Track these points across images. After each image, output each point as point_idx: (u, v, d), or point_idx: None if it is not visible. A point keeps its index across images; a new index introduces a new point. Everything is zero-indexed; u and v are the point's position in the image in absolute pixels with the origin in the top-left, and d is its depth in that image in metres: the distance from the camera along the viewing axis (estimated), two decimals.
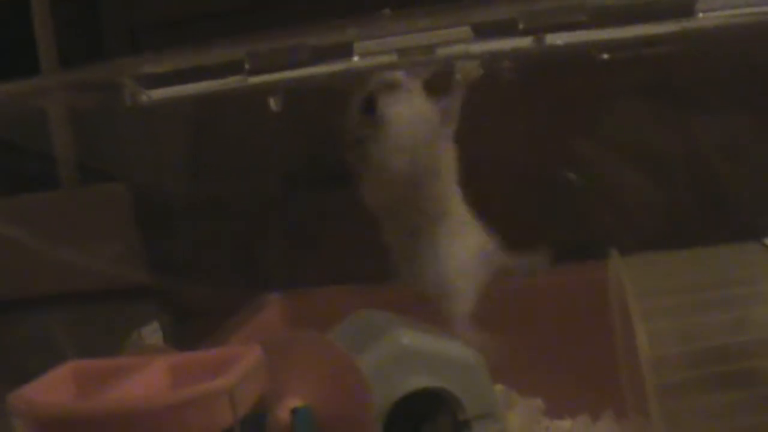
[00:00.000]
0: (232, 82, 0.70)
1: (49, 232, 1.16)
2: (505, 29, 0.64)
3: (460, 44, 0.64)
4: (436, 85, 0.78)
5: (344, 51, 0.67)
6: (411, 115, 0.79)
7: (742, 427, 0.64)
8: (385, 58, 0.67)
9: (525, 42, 0.65)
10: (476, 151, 0.85)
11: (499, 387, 0.90)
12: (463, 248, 0.85)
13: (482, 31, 0.64)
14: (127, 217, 1.21)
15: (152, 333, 1.05)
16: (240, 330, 0.93)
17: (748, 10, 0.67)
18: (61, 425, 0.40)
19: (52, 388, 0.43)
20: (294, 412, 0.46)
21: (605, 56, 0.70)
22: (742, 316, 0.65)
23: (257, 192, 1.10)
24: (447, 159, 0.83)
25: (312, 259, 1.03)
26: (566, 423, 0.91)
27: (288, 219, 1.08)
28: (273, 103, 0.78)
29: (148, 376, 0.43)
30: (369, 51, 0.67)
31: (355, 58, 0.67)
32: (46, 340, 1.12)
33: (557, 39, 0.65)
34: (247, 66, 0.69)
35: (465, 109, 0.81)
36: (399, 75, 0.78)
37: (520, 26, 0.63)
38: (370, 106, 0.78)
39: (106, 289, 1.19)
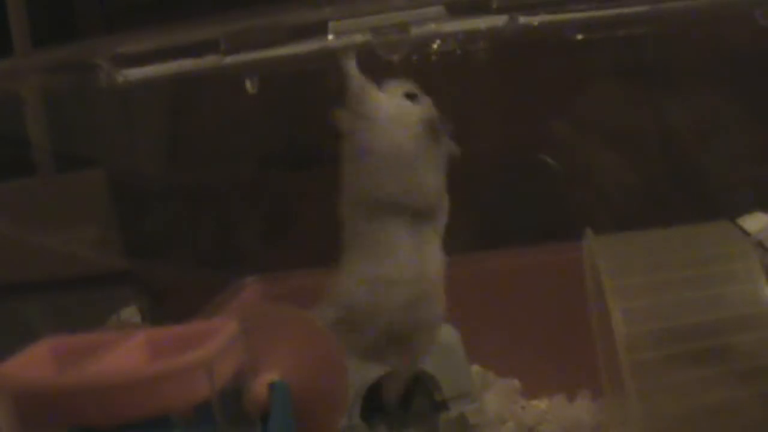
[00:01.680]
0: (207, 61, 0.70)
1: (25, 219, 1.15)
2: (479, 8, 0.64)
3: (434, 23, 0.65)
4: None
5: (319, 30, 0.67)
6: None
7: (715, 402, 0.65)
8: (359, 37, 0.67)
9: (499, 21, 0.66)
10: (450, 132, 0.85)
11: (475, 368, 0.91)
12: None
13: (456, 10, 0.64)
14: (103, 203, 1.21)
15: (131, 317, 1.04)
16: (218, 313, 0.93)
17: None
18: (39, 399, 0.40)
19: (30, 364, 0.43)
20: (271, 386, 0.46)
21: (579, 36, 0.70)
22: (715, 294, 0.66)
23: (234, 174, 1.10)
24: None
25: (290, 242, 1.03)
26: (543, 403, 0.92)
27: (265, 201, 1.08)
28: (249, 85, 0.78)
29: (126, 351, 0.44)
30: (343, 30, 0.66)
31: (330, 37, 0.67)
32: (23, 326, 1.12)
33: (531, 19, 0.65)
34: (222, 46, 0.69)
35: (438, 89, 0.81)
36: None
37: (494, 5, 0.63)
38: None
39: (83, 275, 1.18)
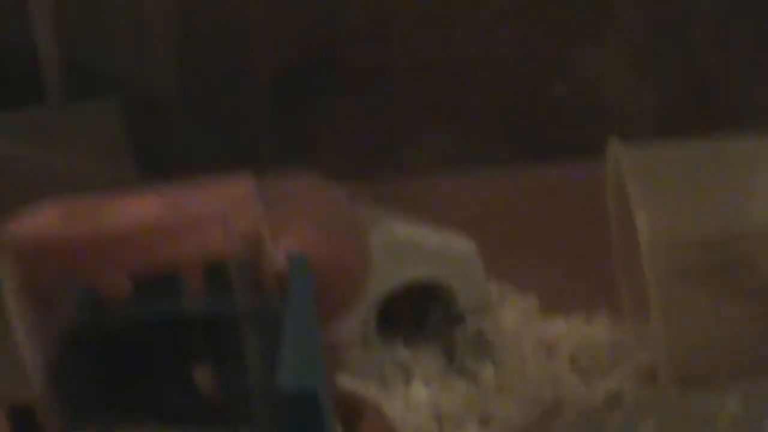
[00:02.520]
0: None
1: (38, 148, 1.13)
2: None
3: None
4: None
5: None
6: None
7: (741, 318, 0.63)
8: None
9: None
10: (471, 53, 0.83)
11: (493, 283, 0.89)
12: None
13: None
14: (116, 131, 1.19)
15: None
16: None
17: None
18: (50, 253, 0.39)
19: (38, 221, 0.41)
20: (291, 256, 0.44)
21: None
22: (746, 204, 0.64)
23: (247, 88, 1.08)
24: None
25: (304, 157, 1.01)
26: (561, 321, 0.90)
27: (279, 116, 1.06)
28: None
29: (138, 204, 0.42)
30: None
31: None
32: None
33: None
34: None
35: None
36: None
37: None
38: None
39: None
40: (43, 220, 0.41)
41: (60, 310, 0.38)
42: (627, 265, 0.79)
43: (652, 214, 0.62)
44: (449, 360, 0.81)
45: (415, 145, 0.94)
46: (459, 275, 0.78)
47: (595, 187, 0.79)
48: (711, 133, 0.70)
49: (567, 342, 0.87)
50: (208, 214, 0.39)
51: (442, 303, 0.80)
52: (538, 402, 0.78)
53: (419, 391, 0.79)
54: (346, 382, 0.78)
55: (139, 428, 0.39)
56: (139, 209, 0.41)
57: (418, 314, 0.82)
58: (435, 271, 0.77)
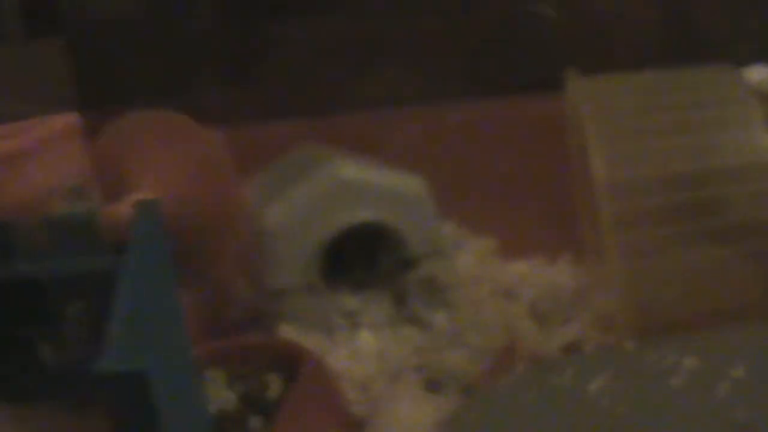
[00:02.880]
0: None
1: None
2: None
3: None
4: None
5: None
6: None
7: (700, 260, 0.59)
8: None
9: None
10: None
11: (449, 225, 0.84)
12: None
13: None
14: (61, 68, 1.13)
15: None
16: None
17: None
18: None
19: None
20: (135, 206, 0.39)
21: None
22: (707, 141, 0.59)
23: (194, 22, 1.02)
24: None
25: (252, 93, 0.96)
26: (521, 265, 0.86)
27: (227, 50, 1.01)
28: None
29: None
30: None
31: None
32: None
33: None
34: None
35: None
36: None
37: None
38: None
39: None
40: None
41: None
42: (588, 207, 0.74)
43: (608, 152, 0.58)
44: (400, 307, 0.77)
45: (367, 79, 0.89)
46: (409, 217, 0.73)
47: (558, 123, 0.74)
48: (677, 65, 0.66)
49: (527, 287, 0.82)
50: (26, 150, 0.34)
51: (393, 247, 0.75)
52: (493, 349, 0.74)
53: (367, 340, 0.75)
54: (287, 330, 0.74)
55: None
56: None
57: (368, 258, 0.78)
58: (383, 213, 0.73)
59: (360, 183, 0.72)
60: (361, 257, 0.77)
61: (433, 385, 0.69)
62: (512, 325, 0.77)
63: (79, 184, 0.35)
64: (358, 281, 0.77)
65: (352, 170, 0.73)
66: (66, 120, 0.38)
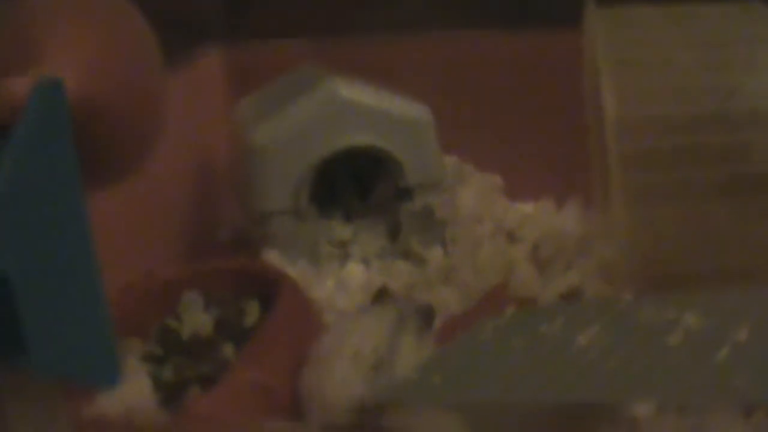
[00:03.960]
0: None
1: None
2: None
3: None
4: None
5: None
6: None
7: (712, 210, 0.55)
8: None
9: None
10: None
11: (452, 158, 0.80)
12: None
13: None
14: None
15: None
16: None
17: None
18: None
19: None
20: (35, 83, 0.34)
21: None
22: (729, 81, 0.55)
23: None
24: None
25: (255, 9, 0.91)
26: (528, 206, 0.81)
27: None
28: None
29: None
30: None
31: None
32: None
33: None
34: None
35: None
36: None
37: None
38: None
39: None
40: None
41: None
42: (598, 147, 0.70)
43: (622, 87, 0.53)
44: (393, 239, 0.73)
45: (379, 3, 0.84)
46: (408, 145, 0.69)
47: (574, 58, 0.69)
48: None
49: (530, 229, 0.78)
50: None
51: (389, 175, 0.71)
52: (486, 292, 0.71)
53: (355, 272, 0.71)
54: (273, 256, 0.71)
55: None
56: None
57: (363, 186, 0.74)
58: (381, 138, 0.69)
59: (357, 104, 0.68)
60: (356, 183, 0.73)
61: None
62: (510, 267, 0.73)
63: None
64: (351, 209, 0.74)
65: (349, 91, 0.68)
66: None
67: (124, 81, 0.37)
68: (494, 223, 0.78)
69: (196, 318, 0.62)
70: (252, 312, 0.61)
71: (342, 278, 0.71)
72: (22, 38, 0.33)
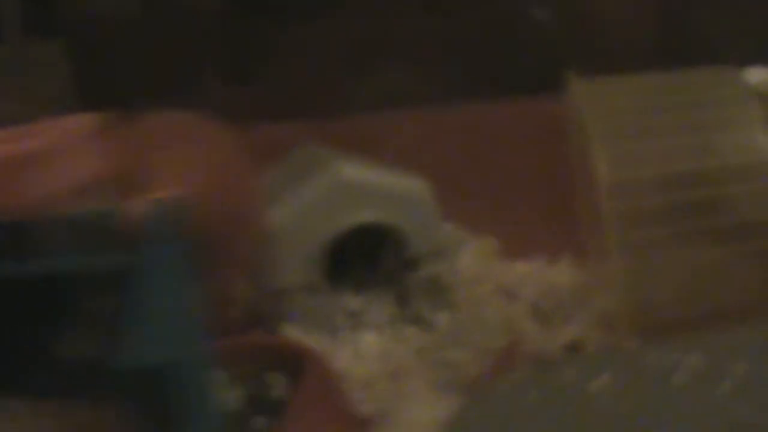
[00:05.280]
0: None
1: None
2: None
3: None
4: None
5: None
6: None
7: (702, 259, 0.59)
8: None
9: None
10: None
11: (450, 226, 0.85)
12: None
13: None
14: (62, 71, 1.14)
15: None
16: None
17: None
18: None
19: None
20: (155, 203, 0.39)
21: None
22: (708, 140, 0.60)
23: (195, 21, 1.03)
24: None
25: (254, 93, 0.96)
26: (522, 265, 0.86)
27: (227, 51, 1.01)
28: None
29: None
30: None
31: None
32: None
33: None
34: None
35: None
36: None
37: None
38: None
39: None
40: None
41: None
42: (590, 207, 0.74)
43: (610, 153, 0.58)
44: (402, 307, 0.78)
45: (368, 80, 0.90)
46: (411, 217, 0.74)
47: (559, 123, 0.74)
48: (676, 65, 0.66)
49: (528, 287, 0.83)
50: (43, 150, 0.34)
51: (395, 247, 0.76)
52: (495, 350, 0.75)
53: (369, 340, 0.75)
54: (291, 330, 0.75)
55: None
56: None
57: (370, 259, 0.78)
58: (385, 214, 0.73)
59: (362, 184, 0.73)
60: (364, 257, 0.78)
61: (436, 385, 0.69)
62: (513, 325, 0.77)
63: (98, 183, 0.35)
64: (360, 281, 0.78)
65: (354, 171, 0.73)
66: (84, 120, 0.38)
67: (219, 198, 0.42)
68: (493, 283, 0.83)
69: (224, 395, 0.66)
70: (278, 385, 0.65)
71: (357, 347, 0.75)
72: (139, 168, 0.38)
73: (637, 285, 0.61)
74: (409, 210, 0.74)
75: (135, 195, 0.37)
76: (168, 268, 0.35)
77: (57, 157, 0.35)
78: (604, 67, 0.72)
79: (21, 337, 0.35)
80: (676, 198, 0.58)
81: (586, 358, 0.62)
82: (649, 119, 0.61)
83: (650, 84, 0.64)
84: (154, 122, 0.43)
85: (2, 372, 0.34)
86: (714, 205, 0.59)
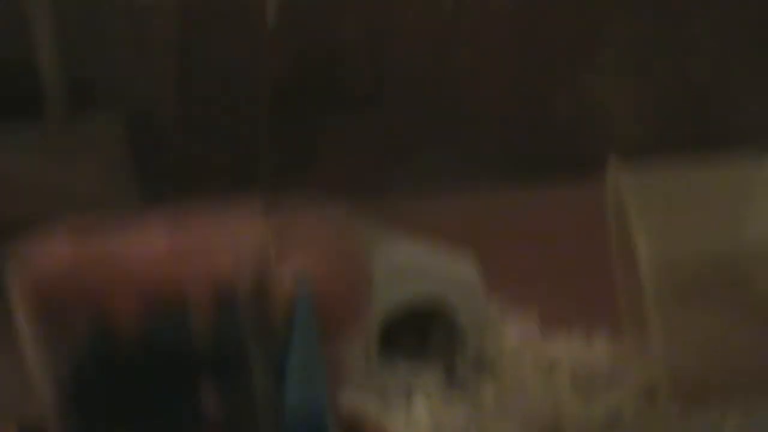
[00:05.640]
0: None
1: (39, 163, 1.14)
2: None
3: None
4: None
5: None
6: None
7: (741, 341, 0.64)
8: None
9: None
10: (472, 64, 0.83)
11: (494, 301, 0.90)
12: None
13: None
14: (118, 147, 1.19)
15: None
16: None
17: None
18: (61, 281, 0.39)
19: (49, 248, 0.42)
20: (295, 278, 0.45)
21: None
22: (739, 222, 0.65)
23: (248, 114, 1.09)
24: None
25: (304, 181, 1.01)
26: (562, 338, 0.91)
27: (278, 134, 1.07)
28: (267, 18, 0.77)
29: (146, 234, 0.42)
30: None
31: None
32: None
33: None
34: None
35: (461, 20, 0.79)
36: None
37: None
38: None
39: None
40: (53, 248, 0.41)
41: (72, 336, 0.39)
42: (627, 283, 0.79)
43: (651, 236, 0.63)
44: (450, 378, 0.82)
45: (414, 163, 0.95)
46: (460, 295, 0.79)
47: (595, 205, 0.79)
48: (706, 151, 0.71)
49: (567, 360, 0.87)
50: (215, 242, 0.40)
51: (444, 321, 0.80)
52: (538, 420, 0.79)
53: (420, 409, 0.79)
54: (348, 399, 0.79)
55: None
56: (147, 237, 0.42)
57: (420, 332, 0.83)
58: (437, 292, 0.78)
59: (414, 264, 0.78)
60: (415, 330, 0.82)
61: None
62: (555, 396, 0.81)
63: (258, 271, 0.40)
64: (411, 353, 0.82)
65: (406, 252, 0.78)
66: (247, 209, 0.43)
67: (342, 276, 0.48)
68: (535, 356, 0.87)
69: None
70: None
71: (409, 416, 0.79)
72: (280, 246, 0.43)
73: (677, 359, 0.65)
74: (458, 288, 0.78)
75: (277, 271, 0.43)
76: (307, 332, 0.41)
77: (215, 249, 0.40)
78: (638, 149, 0.77)
79: (175, 396, 0.39)
80: (711, 275, 0.63)
81: (629, 425, 0.66)
82: (685, 204, 0.66)
83: (685, 171, 0.70)
84: (284, 208, 0.49)
85: (154, 428, 0.39)
86: (746, 282, 0.64)
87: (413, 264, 0.78)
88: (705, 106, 0.99)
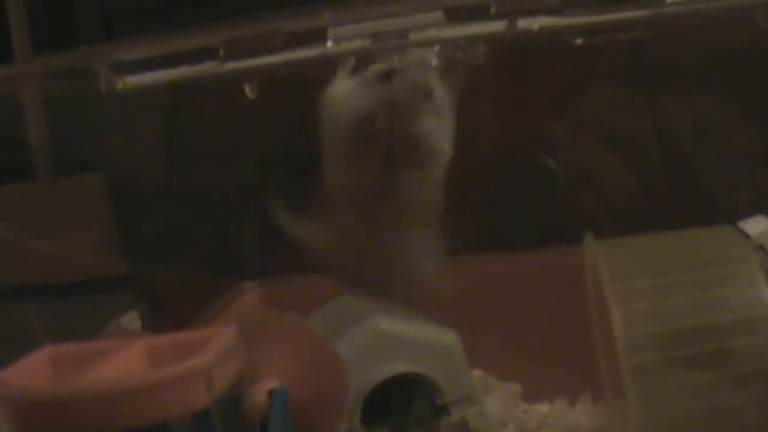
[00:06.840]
0: (207, 68, 0.70)
1: (24, 223, 1.15)
2: (478, 13, 0.64)
3: (434, 29, 0.65)
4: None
5: (318, 36, 0.67)
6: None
7: (715, 406, 0.65)
8: (358, 43, 0.67)
9: (498, 26, 0.66)
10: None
11: (476, 371, 0.91)
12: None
13: (455, 16, 0.64)
14: (103, 207, 1.21)
15: (131, 322, 1.05)
16: (218, 318, 0.94)
17: None
18: (36, 407, 0.40)
19: (28, 372, 0.43)
20: (270, 393, 0.46)
21: (579, 41, 0.70)
22: (715, 297, 0.66)
23: (233, 178, 1.10)
24: None
25: (289, 247, 1.02)
26: (544, 407, 0.92)
27: (264, 206, 1.08)
28: (248, 90, 0.78)
29: (124, 359, 0.44)
30: (343, 36, 0.67)
31: (329, 44, 0.67)
32: (23, 331, 1.12)
33: (530, 23, 0.65)
34: (221, 52, 0.69)
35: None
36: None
37: (493, 10, 0.63)
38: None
39: (83, 280, 1.18)
40: (32, 373, 0.43)
41: None
42: (607, 353, 0.80)
43: (627, 311, 0.65)
44: None
45: None
46: (443, 367, 0.79)
47: (575, 273, 0.81)
48: (684, 220, 0.73)
49: (550, 428, 0.88)
50: (191, 370, 0.41)
51: (427, 393, 0.81)
52: None
53: None
54: None
55: None
56: (125, 364, 0.43)
57: (403, 404, 0.84)
58: (419, 364, 0.79)
59: (398, 336, 0.78)
60: (397, 402, 0.83)
61: None
62: None
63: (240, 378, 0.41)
64: (394, 426, 0.83)
65: (389, 324, 0.79)
66: (224, 332, 0.45)
67: (316, 388, 0.49)
68: (517, 426, 0.88)
69: None
70: None
71: None
72: (254, 362, 0.44)
73: (653, 427, 0.66)
74: (441, 360, 0.79)
75: (252, 385, 0.44)
76: None
77: (200, 377, 0.41)
78: (616, 222, 0.79)
79: None
80: (688, 351, 0.64)
81: None
82: (658, 278, 0.67)
83: (657, 244, 0.71)
84: (261, 321, 0.50)
85: None
86: (724, 356, 0.65)
87: (396, 337, 0.78)
88: (689, 177, 1.01)
